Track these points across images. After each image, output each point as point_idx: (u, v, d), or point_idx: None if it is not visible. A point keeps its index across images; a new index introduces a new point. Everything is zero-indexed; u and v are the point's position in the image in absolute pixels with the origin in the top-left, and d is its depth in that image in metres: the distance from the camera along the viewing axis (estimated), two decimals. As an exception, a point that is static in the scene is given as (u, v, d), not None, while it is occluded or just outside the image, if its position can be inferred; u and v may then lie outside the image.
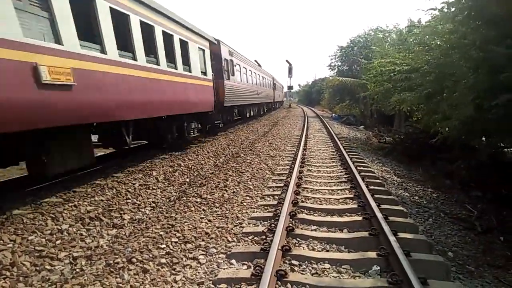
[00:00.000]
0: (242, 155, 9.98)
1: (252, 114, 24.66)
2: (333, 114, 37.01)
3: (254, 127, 18.78)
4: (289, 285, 3.27)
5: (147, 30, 8.09)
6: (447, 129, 8.53)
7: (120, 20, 7.01)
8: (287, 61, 49.48)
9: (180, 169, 8.12)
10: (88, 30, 6.15)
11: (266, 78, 30.86)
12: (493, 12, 6.21)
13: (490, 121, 6.61)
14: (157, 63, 8.45)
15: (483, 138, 8.58)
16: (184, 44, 10.35)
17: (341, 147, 10.81)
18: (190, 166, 8.47)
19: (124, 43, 7.20)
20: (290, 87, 54.79)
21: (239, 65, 18.61)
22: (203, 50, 12.27)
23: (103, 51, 6.31)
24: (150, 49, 8.28)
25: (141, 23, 7.68)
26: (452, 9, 7.77)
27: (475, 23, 6.99)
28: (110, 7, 6.52)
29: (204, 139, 13.24)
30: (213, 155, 10.01)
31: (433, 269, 3.56)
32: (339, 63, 41.09)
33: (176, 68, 9.59)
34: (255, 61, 25.58)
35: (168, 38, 9.18)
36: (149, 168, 7.95)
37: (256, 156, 9.86)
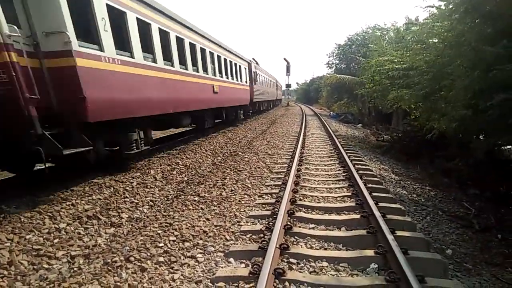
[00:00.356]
0: (240, 153, 9.97)
1: (264, 108, 32.80)
2: (331, 113, 37.06)
3: (252, 125, 18.78)
4: (287, 283, 3.27)
5: (228, 61, 16.21)
6: (444, 127, 8.54)
7: (212, 56, 13.74)
8: (285, 59, 49.56)
9: (178, 167, 8.11)
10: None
11: (273, 81, 38.86)
12: (489, 8, 6.23)
13: (487, 121, 6.63)
14: (231, 78, 16.79)
15: (481, 137, 8.60)
16: (238, 66, 18.59)
17: (339, 145, 10.81)
18: (188, 164, 8.46)
19: (220, 68, 14.66)
20: (288, 85, 54.79)
21: (260, 74, 26.53)
22: (245, 68, 20.61)
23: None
24: (228, 71, 16.19)
25: (225, 60, 15.53)
26: (450, 6, 7.77)
27: (472, 20, 7.00)
28: (201, 48, 12.13)
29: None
30: (211, 154, 10.00)
31: (431, 267, 3.56)
32: (337, 61, 41.17)
33: (236, 80, 17.83)
34: (253, 59, 25.73)
35: (233, 63, 17.22)
36: (147, 167, 7.93)
37: (254, 154, 9.85)
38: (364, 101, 27.66)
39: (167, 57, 9.13)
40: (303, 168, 8.08)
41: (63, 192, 5.83)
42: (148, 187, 6.55)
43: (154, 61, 8.28)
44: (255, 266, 3.37)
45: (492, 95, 6.01)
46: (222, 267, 3.58)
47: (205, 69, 12.45)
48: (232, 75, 16.98)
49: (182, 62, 10.23)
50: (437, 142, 9.95)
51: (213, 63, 13.63)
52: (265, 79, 29.91)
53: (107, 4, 6.39)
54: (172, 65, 9.42)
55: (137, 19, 7.54)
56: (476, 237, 5.87)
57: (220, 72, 14.61)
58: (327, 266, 3.65)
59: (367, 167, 8.46)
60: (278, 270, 3.33)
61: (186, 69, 10.50)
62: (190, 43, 10.96)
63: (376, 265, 3.63)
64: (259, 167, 8.25)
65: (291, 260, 3.73)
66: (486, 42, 6.28)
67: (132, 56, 7.24)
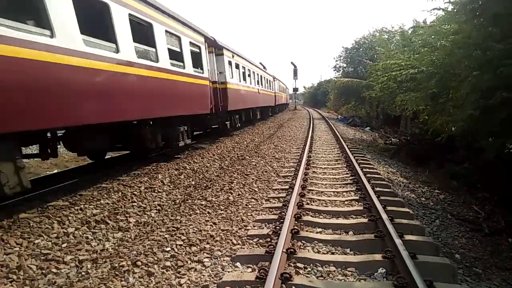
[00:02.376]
0: (248, 157, 9.98)
1: (278, 109, 40.61)
2: (339, 116, 36.93)
3: (259, 129, 18.81)
4: (294, 288, 3.26)
5: (259, 75, 23.10)
6: (452, 128, 8.48)
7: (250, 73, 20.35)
8: (292, 63, 49.63)
9: (186, 171, 8.14)
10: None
11: (284, 87, 47.12)
12: (496, 10, 6.21)
13: (494, 121, 6.57)
14: (266, 88, 26.29)
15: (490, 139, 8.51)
16: (269, 79, 27.96)
17: (346, 148, 10.77)
18: (195, 168, 8.49)
19: (251, 79, 20.32)
20: (295, 89, 54.78)
21: (279, 84, 38.34)
22: (271, 80, 29.95)
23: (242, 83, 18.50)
24: (258, 80, 22.77)
25: (260, 76, 23.77)
26: (457, 7, 7.74)
27: (479, 21, 6.96)
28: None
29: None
30: (219, 158, 10.02)
31: (440, 272, 3.52)
32: (344, 65, 41.08)
33: (267, 88, 26.49)
34: (260, 63, 26.36)
35: (264, 77, 25.24)
36: (154, 171, 7.98)
37: (261, 158, 9.86)
38: (372, 104, 27.57)
39: (257, 83, 21.99)
40: (311, 171, 8.06)
41: (71, 196, 5.89)
42: (156, 191, 6.58)
43: (254, 85, 20.57)
44: (261, 270, 3.36)
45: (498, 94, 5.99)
46: (228, 272, 3.57)
47: (259, 84, 23.13)
48: (265, 87, 26.03)
49: (257, 83, 22.11)
50: (446, 145, 9.85)
51: (260, 81, 24.01)
52: (280, 87, 39.72)
53: (235, 63, 15.95)
54: (252, 85, 20.27)
55: (246, 68, 18.28)
56: (486, 241, 5.79)
57: (261, 84, 24.16)
58: (334, 271, 3.63)
59: (375, 170, 8.41)
60: (285, 275, 3.31)
61: (259, 86, 22.79)
62: (256, 74, 22.01)
63: (384, 270, 3.60)
64: (266, 171, 8.24)
65: (298, 264, 3.71)
66: (493, 41, 6.26)
67: (246, 83, 18.03)
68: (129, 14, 6.87)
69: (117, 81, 6.56)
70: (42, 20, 4.86)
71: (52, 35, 4.87)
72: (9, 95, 4.25)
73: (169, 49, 8.58)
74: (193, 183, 7.37)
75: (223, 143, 12.90)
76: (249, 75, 19.25)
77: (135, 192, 6.36)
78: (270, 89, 29.13)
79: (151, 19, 7.77)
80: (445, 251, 4.82)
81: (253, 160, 9.51)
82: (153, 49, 7.89)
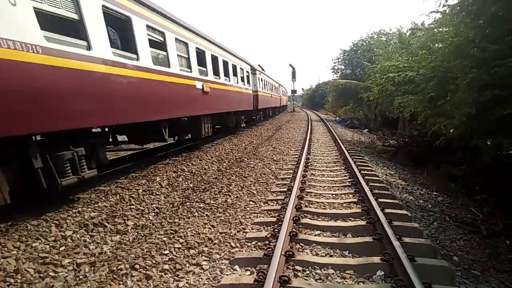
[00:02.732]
0: (246, 159, 9.98)
1: (281, 110, 49.17)
2: (337, 118, 37.00)
3: (257, 131, 18.82)
4: (292, 290, 3.26)
5: (271, 84, 31.36)
6: (450, 131, 8.50)
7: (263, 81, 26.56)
8: (290, 65, 49.83)
9: (184, 174, 8.13)
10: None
11: (285, 90, 52.52)
12: (492, 13, 6.29)
13: (490, 119, 6.63)
14: (276, 93, 35.42)
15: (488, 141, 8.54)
16: (278, 86, 38.96)
17: (344, 150, 10.78)
18: (193, 171, 8.48)
19: (267, 88, 27.79)
20: (293, 91, 54.96)
21: (282, 89, 45.36)
22: (278, 87, 38.25)
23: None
24: (271, 88, 31.24)
25: (272, 84, 31.78)
26: (455, 10, 7.78)
27: (476, 23, 7.01)
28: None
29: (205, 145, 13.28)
30: (217, 160, 10.02)
31: (438, 274, 3.53)
32: (343, 67, 41.15)
33: (276, 93, 35.41)
34: (259, 65, 26.44)
35: (274, 85, 33.61)
36: (152, 174, 7.96)
37: (259, 160, 9.86)
38: (370, 106, 27.61)
39: (270, 89, 29.78)
40: (309, 174, 8.06)
41: (69, 199, 5.87)
42: (154, 194, 6.57)
43: (269, 91, 28.37)
44: (260, 273, 3.35)
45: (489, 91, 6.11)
46: (227, 275, 3.57)
47: (271, 90, 30.27)
48: (274, 92, 32.81)
49: (270, 90, 29.57)
50: (444, 147, 9.86)
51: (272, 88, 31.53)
52: (283, 91, 47.91)
53: (261, 78, 23.40)
54: (268, 91, 27.14)
55: (265, 81, 25.46)
56: (484, 243, 5.81)
57: (273, 90, 31.32)
58: (333, 273, 3.63)
59: (373, 172, 8.42)
60: (283, 278, 3.31)
61: (272, 92, 30.83)
62: (270, 83, 27.96)
63: (383, 272, 3.60)
64: (264, 173, 8.24)
65: (297, 267, 3.70)
66: (488, 42, 6.33)
67: (266, 90, 26.36)
68: (223, 61, 13.91)
69: (233, 96, 15.47)
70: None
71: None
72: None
73: (239, 75, 16.57)
74: (191, 185, 7.36)
75: (221, 145, 12.89)
76: (265, 85, 26.03)
77: (133, 195, 6.34)
78: (277, 93, 37.11)
79: (234, 62, 15.88)
80: (443, 254, 4.83)
81: (252, 163, 9.51)
82: (235, 77, 15.77)
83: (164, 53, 8.42)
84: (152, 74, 7.50)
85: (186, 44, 9.89)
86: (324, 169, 8.76)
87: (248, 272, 3.64)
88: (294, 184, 6.62)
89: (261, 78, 23.33)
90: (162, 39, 8.41)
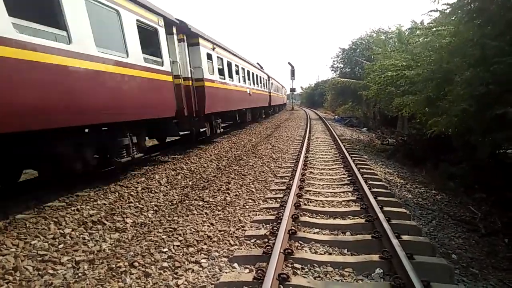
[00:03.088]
0: (245, 158, 9.98)
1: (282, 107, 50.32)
2: (336, 116, 37.00)
3: (256, 130, 18.80)
4: (291, 288, 3.26)
5: (279, 88, 41.33)
6: (446, 125, 8.51)
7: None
8: (289, 63, 49.79)
9: (183, 172, 8.12)
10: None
11: (284, 89, 52.66)
12: (491, 12, 6.31)
13: (485, 118, 6.66)
14: (279, 94, 40.41)
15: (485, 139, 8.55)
16: (282, 87, 45.82)
17: (343, 149, 10.78)
18: (192, 169, 8.48)
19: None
20: (292, 90, 54.90)
21: (284, 90, 49.19)
22: (282, 88, 45.30)
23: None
24: (277, 89, 38.56)
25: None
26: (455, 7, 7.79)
27: (476, 23, 7.01)
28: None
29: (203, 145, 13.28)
30: (216, 158, 10.01)
31: (437, 272, 3.53)
32: (341, 65, 41.13)
33: (280, 94, 41.84)
34: (258, 63, 26.43)
35: (281, 87, 42.95)
36: (151, 172, 7.96)
37: (258, 159, 9.86)
38: (369, 105, 27.62)
39: (277, 91, 38.13)
40: (308, 172, 8.06)
41: (68, 197, 5.87)
42: (153, 192, 6.56)
43: (277, 92, 37.12)
44: (259, 271, 3.36)
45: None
46: (226, 272, 3.57)
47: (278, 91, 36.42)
48: (280, 92, 36.57)
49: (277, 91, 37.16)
50: (443, 145, 9.86)
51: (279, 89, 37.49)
52: (284, 91, 50.62)
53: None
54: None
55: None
56: (483, 241, 5.81)
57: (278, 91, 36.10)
58: (332, 271, 3.63)
59: (372, 171, 8.43)
60: (282, 275, 3.31)
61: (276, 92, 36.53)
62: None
63: (381, 270, 3.60)
64: (263, 172, 8.24)
65: (296, 265, 3.71)
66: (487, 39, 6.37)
67: (274, 92, 35.04)
68: (256, 75, 21.93)
69: (259, 96, 23.49)
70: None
71: None
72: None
73: (262, 82, 24.75)
74: (190, 183, 7.35)
75: (220, 144, 12.89)
76: (274, 87, 31.28)
77: (132, 193, 6.34)
78: (281, 93, 41.01)
79: (260, 74, 23.90)
80: (442, 252, 4.84)
81: (251, 161, 9.51)
82: (260, 84, 24.30)
83: (237, 76, 16.77)
84: (235, 87, 16.08)
85: (242, 68, 18.11)
86: (323, 168, 8.77)
87: (247, 270, 3.64)
88: (293, 182, 6.62)
89: (272, 83, 31.38)
90: (237, 69, 16.94)
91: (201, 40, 11.36)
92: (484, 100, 6.49)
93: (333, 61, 42.38)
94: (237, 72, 16.97)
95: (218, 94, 13.06)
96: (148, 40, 8.20)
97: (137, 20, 7.49)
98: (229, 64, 15.42)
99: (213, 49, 12.89)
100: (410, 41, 14.49)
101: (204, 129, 11.74)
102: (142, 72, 7.47)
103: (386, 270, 3.61)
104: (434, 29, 10.25)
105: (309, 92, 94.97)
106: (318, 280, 3.45)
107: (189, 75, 10.37)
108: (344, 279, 3.51)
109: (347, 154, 9.75)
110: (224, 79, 14.15)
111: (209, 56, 12.23)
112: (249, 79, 20.00)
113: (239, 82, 17.37)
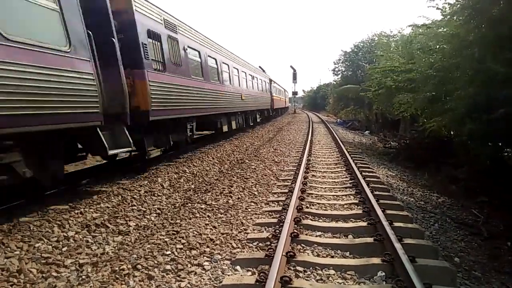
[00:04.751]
0: (247, 161, 10.00)
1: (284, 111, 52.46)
2: (338, 119, 37.01)
3: (259, 133, 18.83)
4: (293, 291, 3.27)
5: (282, 91, 43.47)
6: (451, 132, 8.55)
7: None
8: (291, 66, 49.88)
9: (185, 175, 8.15)
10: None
11: (287, 93, 53.84)
12: (492, 13, 6.33)
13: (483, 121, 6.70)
14: (283, 97, 43.90)
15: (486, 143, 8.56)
16: (285, 91, 49.47)
17: (346, 152, 10.79)
18: (195, 172, 8.51)
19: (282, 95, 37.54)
20: (294, 93, 54.95)
21: (286, 93, 51.24)
22: (285, 92, 48.78)
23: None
24: (281, 95, 42.21)
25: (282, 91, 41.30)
26: (454, 9, 7.83)
27: (476, 24, 7.04)
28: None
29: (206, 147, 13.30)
30: (218, 161, 10.04)
31: (439, 275, 3.54)
32: (343, 68, 41.19)
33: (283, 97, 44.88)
34: (260, 67, 26.61)
35: (284, 91, 46.75)
36: (154, 175, 7.99)
37: (261, 162, 9.88)
38: (371, 108, 27.61)
39: (280, 94, 39.42)
40: (310, 175, 8.07)
41: (71, 200, 5.90)
42: (156, 195, 6.59)
43: (280, 96, 38.92)
44: (261, 274, 3.37)
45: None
46: (228, 275, 3.58)
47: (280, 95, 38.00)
48: (282, 96, 38.00)
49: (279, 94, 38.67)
50: (445, 149, 9.87)
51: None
52: (286, 95, 51.17)
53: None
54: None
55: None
56: (485, 244, 5.81)
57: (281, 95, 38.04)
58: (334, 274, 3.64)
59: (374, 174, 8.43)
60: (284, 278, 3.32)
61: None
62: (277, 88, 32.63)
63: (383, 273, 3.61)
64: (265, 175, 8.26)
65: (298, 268, 3.72)
66: (489, 47, 6.37)
67: (277, 95, 35.26)
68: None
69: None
70: None
71: None
72: None
73: (270, 88, 29.27)
74: (192, 186, 7.38)
75: (222, 147, 12.91)
76: (277, 91, 35.25)
77: (134, 196, 6.37)
78: (283, 97, 43.55)
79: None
80: (444, 255, 4.84)
81: (253, 164, 9.53)
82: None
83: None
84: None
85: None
86: (325, 171, 8.78)
87: (250, 273, 3.65)
88: (295, 185, 6.63)
89: (275, 86, 32.94)
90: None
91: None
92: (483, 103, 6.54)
93: (335, 64, 42.51)
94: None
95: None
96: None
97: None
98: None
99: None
100: (413, 42, 14.51)
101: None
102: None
103: (388, 273, 3.61)
104: (436, 28, 10.31)
105: (311, 95, 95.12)
106: (320, 283, 3.46)
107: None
108: (346, 282, 3.52)
109: (349, 157, 9.76)
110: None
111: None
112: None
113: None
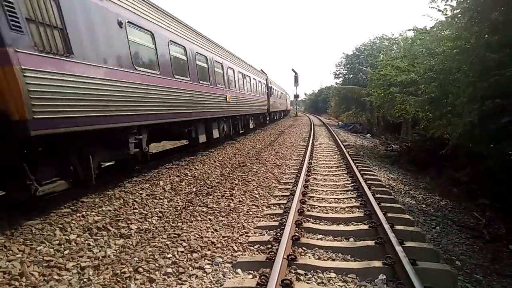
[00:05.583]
0: (249, 164, 10.01)
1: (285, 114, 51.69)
2: (340, 122, 37.00)
3: (260, 136, 18.84)
4: (294, 294, 3.28)
5: (282, 94, 41.25)
6: (453, 135, 8.54)
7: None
8: (293, 70, 49.95)
9: (187, 178, 8.16)
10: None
11: (289, 96, 55.70)
12: (494, 16, 6.34)
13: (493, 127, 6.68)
14: (282, 100, 40.99)
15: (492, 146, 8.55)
16: (286, 94, 48.85)
17: (347, 155, 10.79)
18: (196, 175, 8.52)
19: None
20: (296, 96, 55.01)
21: (287, 96, 50.67)
22: (285, 95, 47.98)
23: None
24: (282, 99, 40.96)
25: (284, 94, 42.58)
26: (456, 11, 7.82)
27: (478, 28, 7.05)
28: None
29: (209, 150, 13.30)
30: (220, 164, 10.05)
31: (440, 278, 3.53)
32: (345, 71, 41.23)
33: (282, 100, 41.76)
34: (262, 70, 26.64)
35: (285, 95, 47.02)
36: (156, 178, 8.01)
37: (262, 165, 9.88)
38: (372, 111, 27.61)
39: (279, 98, 36.79)
40: (311, 178, 8.08)
41: (73, 203, 5.93)
42: (157, 198, 6.60)
43: (280, 99, 37.12)
44: (262, 277, 3.38)
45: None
46: (230, 278, 3.59)
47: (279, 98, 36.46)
48: (281, 99, 36.97)
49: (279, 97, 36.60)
50: (447, 152, 9.84)
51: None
52: (287, 98, 50.88)
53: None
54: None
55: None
56: (487, 247, 5.79)
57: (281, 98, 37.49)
58: (335, 277, 3.64)
59: (375, 177, 8.43)
60: (285, 281, 3.33)
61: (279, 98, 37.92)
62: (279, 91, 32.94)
63: (385, 276, 3.61)
64: (267, 178, 8.26)
65: (299, 271, 3.72)
66: (490, 49, 6.38)
67: (275, 98, 32.90)
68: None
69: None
70: None
71: None
72: None
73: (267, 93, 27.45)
74: (194, 189, 7.38)
75: (224, 150, 12.93)
76: (275, 93, 33.26)
77: (136, 199, 6.39)
78: (283, 99, 42.22)
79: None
80: (446, 258, 4.83)
81: (254, 167, 9.54)
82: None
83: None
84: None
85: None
86: (327, 174, 8.78)
87: (251, 276, 3.66)
88: (296, 188, 6.64)
89: (273, 87, 30.91)
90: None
91: None
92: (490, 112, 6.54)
93: (337, 67, 42.59)
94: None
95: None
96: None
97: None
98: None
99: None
100: (414, 45, 14.54)
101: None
102: None
103: (390, 276, 3.61)
104: (438, 31, 10.32)
105: (312, 98, 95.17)
106: (321, 286, 3.46)
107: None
108: (347, 285, 3.52)
109: (350, 160, 9.76)
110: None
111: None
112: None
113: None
